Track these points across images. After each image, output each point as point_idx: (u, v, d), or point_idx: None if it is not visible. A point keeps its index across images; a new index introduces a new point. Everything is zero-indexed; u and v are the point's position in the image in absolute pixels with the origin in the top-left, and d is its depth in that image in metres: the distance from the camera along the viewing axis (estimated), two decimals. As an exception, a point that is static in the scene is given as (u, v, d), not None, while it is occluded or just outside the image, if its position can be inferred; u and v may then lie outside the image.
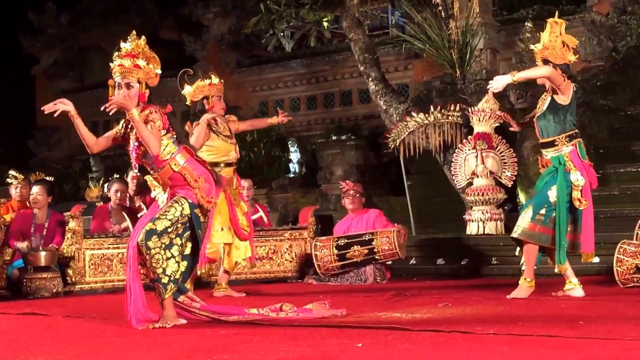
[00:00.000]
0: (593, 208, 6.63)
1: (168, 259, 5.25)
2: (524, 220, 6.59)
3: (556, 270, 6.62)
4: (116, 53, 5.46)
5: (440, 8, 11.55)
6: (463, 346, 4.10)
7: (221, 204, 7.43)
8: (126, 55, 5.42)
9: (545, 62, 6.57)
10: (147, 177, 5.63)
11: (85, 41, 21.14)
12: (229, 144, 7.95)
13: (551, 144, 6.63)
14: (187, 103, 7.95)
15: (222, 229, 7.65)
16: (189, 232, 5.38)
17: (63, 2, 21.22)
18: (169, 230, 5.26)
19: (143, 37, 5.53)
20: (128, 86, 5.38)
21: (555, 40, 6.61)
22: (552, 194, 6.51)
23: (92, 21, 20.71)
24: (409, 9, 11.89)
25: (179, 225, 5.32)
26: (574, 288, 6.55)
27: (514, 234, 6.65)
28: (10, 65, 20.80)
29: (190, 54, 19.05)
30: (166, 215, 5.28)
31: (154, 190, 5.58)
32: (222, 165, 7.74)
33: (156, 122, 5.32)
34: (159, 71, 5.54)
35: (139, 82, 5.40)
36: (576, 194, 6.49)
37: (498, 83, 6.50)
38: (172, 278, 5.26)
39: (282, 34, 18.34)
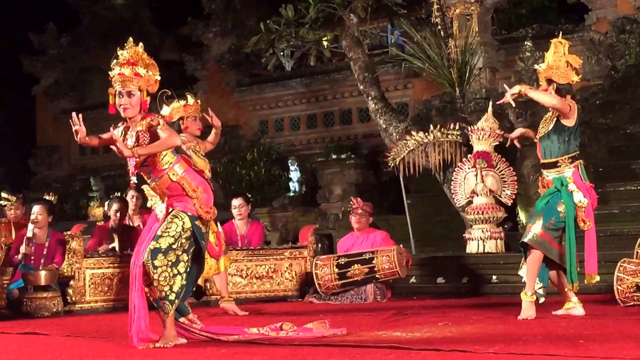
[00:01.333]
0: (595, 228, 6.63)
1: (174, 276, 5.21)
2: (536, 227, 6.53)
3: (567, 289, 6.59)
4: (115, 61, 5.43)
5: (439, 27, 11.60)
6: (463, 365, 4.10)
7: None
8: (125, 63, 5.40)
9: (549, 81, 6.57)
10: (145, 187, 5.60)
11: (86, 62, 21.22)
12: (204, 162, 7.92)
13: (553, 165, 6.61)
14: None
15: None
16: (194, 247, 5.37)
17: (64, 22, 21.33)
18: (174, 247, 5.23)
19: (140, 44, 5.49)
20: (129, 94, 5.36)
21: (559, 60, 6.60)
22: (561, 208, 6.51)
23: (93, 42, 20.80)
24: (408, 28, 11.93)
25: (184, 241, 5.29)
26: (575, 307, 6.53)
27: (524, 239, 6.58)
28: (10, 85, 20.86)
29: (190, 73, 19.12)
30: (168, 232, 5.25)
31: (151, 199, 5.54)
32: None
33: (160, 123, 5.31)
34: (158, 77, 5.53)
35: (139, 89, 5.38)
36: (580, 215, 6.49)
37: (508, 94, 6.52)
38: (177, 294, 5.25)
39: (282, 53, 18.35)
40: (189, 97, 7.87)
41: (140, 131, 5.35)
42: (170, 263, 5.20)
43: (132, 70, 5.38)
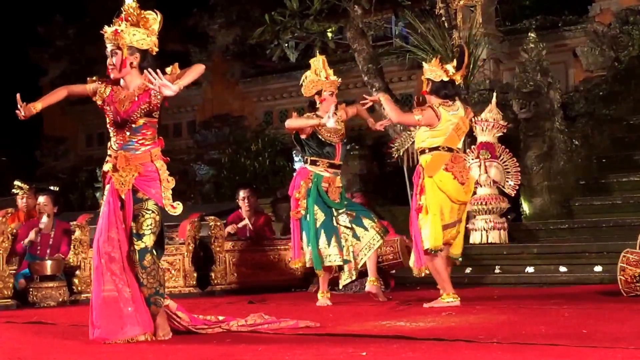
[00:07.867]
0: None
1: (159, 269, 5.10)
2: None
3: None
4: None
5: (443, 19, 11.60)
6: (467, 355, 4.12)
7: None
8: (115, 22, 5.26)
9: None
10: (111, 150, 5.19)
11: (92, 53, 21.17)
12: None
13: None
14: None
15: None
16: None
17: (70, 14, 21.35)
18: (154, 243, 5.08)
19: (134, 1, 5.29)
20: (112, 54, 5.15)
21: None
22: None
23: (99, 33, 20.83)
24: (412, 20, 11.94)
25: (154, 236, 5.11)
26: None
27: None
28: (18, 76, 20.89)
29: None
30: (150, 228, 5.03)
31: (110, 169, 5.13)
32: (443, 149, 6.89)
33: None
34: (153, 38, 5.35)
35: (119, 48, 5.15)
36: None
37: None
38: (164, 286, 5.14)
39: (286, 45, 18.37)
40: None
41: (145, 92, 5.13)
42: (153, 260, 5.05)
43: (113, 27, 5.20)
